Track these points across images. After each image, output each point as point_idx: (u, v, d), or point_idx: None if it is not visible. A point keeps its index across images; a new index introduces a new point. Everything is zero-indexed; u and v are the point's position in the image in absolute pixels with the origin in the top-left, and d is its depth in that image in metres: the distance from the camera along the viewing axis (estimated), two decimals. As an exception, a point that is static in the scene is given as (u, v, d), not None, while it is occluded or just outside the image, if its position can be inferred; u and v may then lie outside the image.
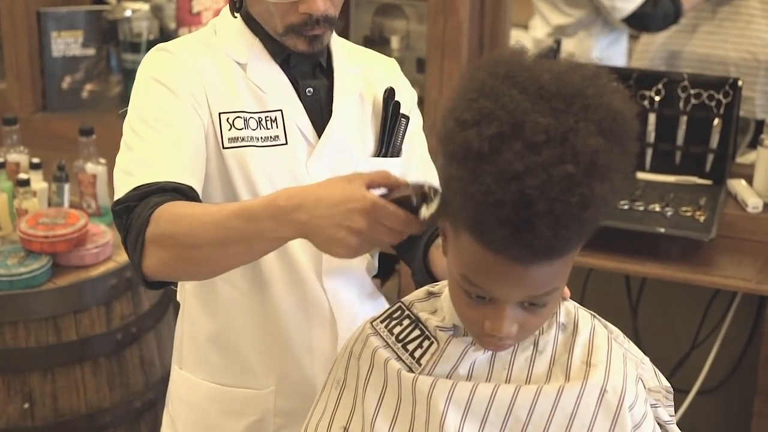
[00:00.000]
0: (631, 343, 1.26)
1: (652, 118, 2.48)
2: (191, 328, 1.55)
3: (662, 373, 1.27)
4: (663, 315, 2.67)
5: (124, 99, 2.94)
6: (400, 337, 1.22)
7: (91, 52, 2.97)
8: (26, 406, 2.16)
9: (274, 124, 1.44)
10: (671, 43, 3.18)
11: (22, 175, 2.35)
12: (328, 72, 1.50)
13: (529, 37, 3.34)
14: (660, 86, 2.48)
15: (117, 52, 2.97)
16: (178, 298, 1.59)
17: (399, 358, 1.21)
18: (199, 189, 1.36)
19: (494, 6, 2.63)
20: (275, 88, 1.45)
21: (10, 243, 2.28)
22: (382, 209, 1.15)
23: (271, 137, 1.43)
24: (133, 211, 1.30)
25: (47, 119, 2.93)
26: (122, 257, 2.30)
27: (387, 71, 1.57)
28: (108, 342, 2.23)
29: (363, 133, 1.51)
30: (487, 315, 1.10)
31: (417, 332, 1.22)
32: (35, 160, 2.42)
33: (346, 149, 1.47)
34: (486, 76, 1.06)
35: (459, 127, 1.04)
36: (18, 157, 2.48)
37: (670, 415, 1.26)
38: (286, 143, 1.44)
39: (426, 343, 1.20)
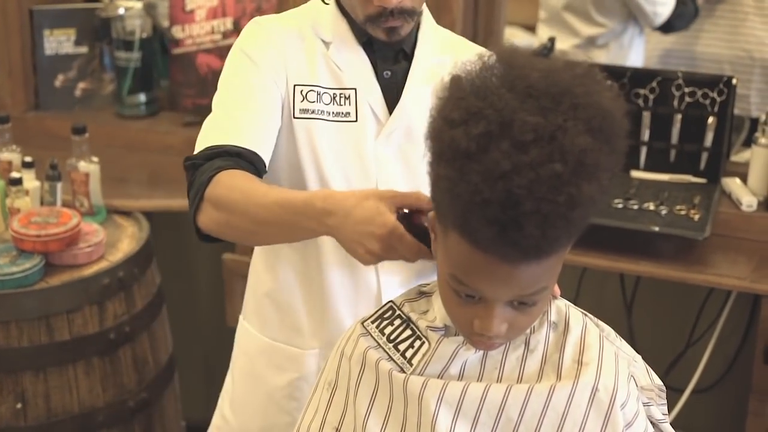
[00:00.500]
0: (623, 341, 1.26)
1: (646, 116, 2.48)
2: (254, 282, 1.67)
3: (657, 372, 1.27)
4: (657, 314, 2.68)
5: (117, 97, 2.95)
6: (392, 338, 1.23)
7: (83, 50, 2.97)
8: (19, 406, 2.16)
9: (347, 101, 1.51)
10: (666, 42, 3.19)
11: (15, 174, 2.35)
12: (411, 58, 1.55)
13: (535, 39, 3.35)
14: (654, 84, 2.48)
15: (110, 50, 2.96)
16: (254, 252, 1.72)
17: (390, 359, 1.21)
18: (264, 155, 1.46)
19: (488, 3, 2.63)
20: (353, 67, 1.52)
21: (2, 242, 2.28)
22: (397, 238, 1.24)
23: (342, 113, 1.51)
24: (199, 169, 1.43)
25: (40, 118, 2.93)
26: (115, 256, 2.30)
27: None
28: (101, 341, 2.23)
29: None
30: (477, 314, 1.11)
31: (408, 332, 1.22)
32: (27, 159, 2.42)
33: (415, 132, 1.52)
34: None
35: (447, 125, 1.05)
36: (10, 155, 2.48)
37: (663, 414, 1.26)
38: (356, 120, 1.51)
39: (417, 343, 1.21)
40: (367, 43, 1.52)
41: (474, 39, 2.63)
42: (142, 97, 2.92)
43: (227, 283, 2.56)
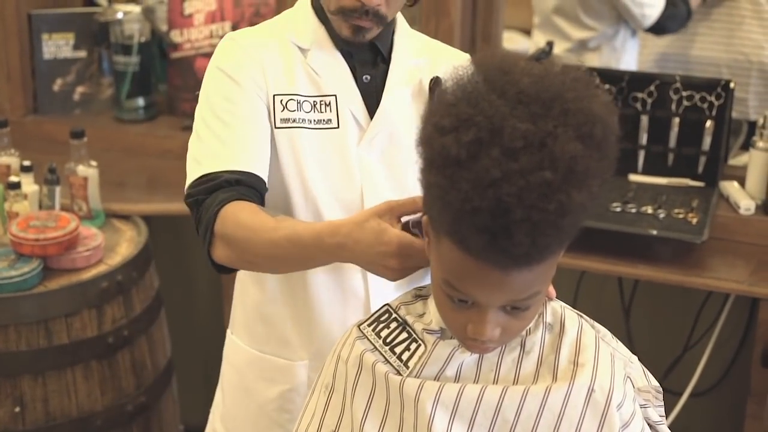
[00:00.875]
0: (619, 343, 1.27)
1: (644, 120, 2.50)
2: (242, 296, 1.66)
3: (655, 375, 1.27)
4: (656, 317, 2.69)
5: (116, 101, 2.96)
6: (388, 340, 1.24)
7: (82, 54, 2.98)
8: (17, 410, 2.17)
9: (327, 108, 1.51)
10: (663, 45, 3.20)
11: (13, 178, 2.36)
12: (389, 62, 1.55)
13: (532, 42, 3.35)
14: (652, 88, 2.49)
15: (108, 55, 2.98)
16: None
17: (386, 361, 1.22)
18: (263, 173, 1.46)
19: (486, 8, 2.65)
20: (332, 73, 1.52)
21: (1, 246, 2.29)
22: (408, 248, 1.25)
23: (323, 120, 1.51)
24: (203, 205, 1.42)
25: (38, 122, 2.94)
26: (113, 260, 2.32)
27: (454, 62, 1.57)
28: (99, 345, 2.24)
29: (418, 121, 1.54)
30: (470, 319, 1.11)
31: (404, 335, 1.23)
32: (26, 163, 2.43)
33: (398, 136, 1.53)
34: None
35: (437, 132, 1.05)
36: (9, 159, 2.49)
37: (660, 416, 1.27)
38: (338, 127, 1.51)
39: (413, 346, 1.21)
40: (345, 49, 1.52)
41: (472, 43, 2.65)
42: (140, 102, 2.94)
43: (226, 287, 2.56)
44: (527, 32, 3.60)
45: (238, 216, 1.38)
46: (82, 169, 2.42)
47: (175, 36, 2.86)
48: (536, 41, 3.23)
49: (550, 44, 2.80)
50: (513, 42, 3.70)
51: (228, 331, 1.71)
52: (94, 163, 2.44)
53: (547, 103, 1.03)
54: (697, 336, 2.60)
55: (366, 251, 1.27)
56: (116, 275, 2.27)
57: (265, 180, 1.46)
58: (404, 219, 1.29)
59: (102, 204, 2.48)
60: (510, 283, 1.06)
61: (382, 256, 1.26)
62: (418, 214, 1.28)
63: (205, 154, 1.46)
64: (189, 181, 1.46)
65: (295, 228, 1.36)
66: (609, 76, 2.52)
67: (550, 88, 1.05)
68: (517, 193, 0.99)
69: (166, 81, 2.99)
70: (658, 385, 1.27)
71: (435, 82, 1.54)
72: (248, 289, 1.62)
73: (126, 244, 2.41)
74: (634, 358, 1.26)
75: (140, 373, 2.34)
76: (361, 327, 1.27)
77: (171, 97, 2.96)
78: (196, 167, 1.46)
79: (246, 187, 1.43)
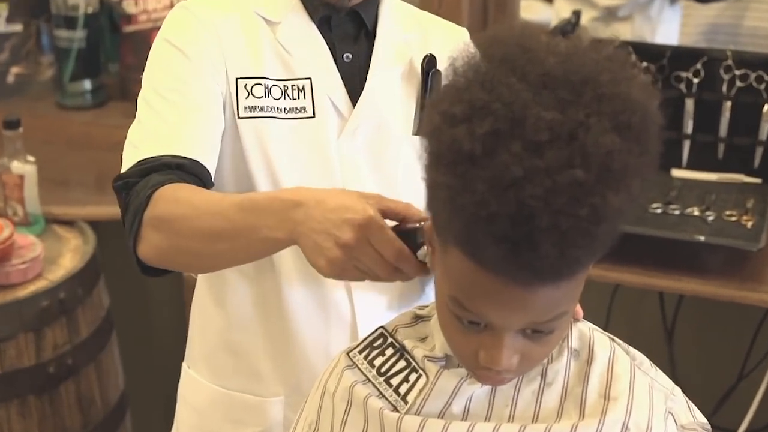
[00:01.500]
0: (659, 372, 1.27)
1: (689, 104, 2.51)
2: (201, 322, 1.65)
3: (702, 410, 1.28)
4: (704, 339, 2.70)
5: (58, 84, 2.96)
6: (383, 370, 1.24)
7: (17, 28, 2.99)
8: (-60, 454, 2.17)
9: (301, 94, 1.51)
10: (714, 16, 3.20)
11: (-65, 177, 2.37)
12: (374, 37, 1.55)
13: (553, 12, 3.36)
14: (699, 66, 2.50)
15: (49, 29, 2.98)
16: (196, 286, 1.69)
17: (381, 395, 1.22)
18: (209, 163, 1.45)
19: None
20: (306, 52, 1.52)
21: None
22: (377, 229, 1.22)
23: (296, 109, 1.50)
24: (133, 189, 1.40)
25: (-35, 109, 2.95)
26: (54, 275, 2.32)
27: (448, 37, 1.60)
28: (38, 376, 2.24)
29: (410, 108, 1.56)
30: (482, 344, 1.11)
31: (402, 363, 1.23)
32: (-50, 159, 2.44)
33: (386, 126, 1.53)
34: (480, 59, 1.08)
35: (446, 123, 1.04)
36: (-71, 154, 2.50)
37: (709, 457, 1.28)
38: (314, 116, 1.50)
39: (413, 377, 1.22)
40: (324, 20, 1.52)
41: (484, 13, 2.65)
42: (87, 84, 2.94)
43: (190, 306, 2.57)
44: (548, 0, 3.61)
45: (175, 194, 1.36)
46: (17, 166, 2.43)
47: (129, 6, 2.87)
48: (558, 9, 3.24)
49: (576, 14, 2.80)
50: (532, 11, 3.71)
51: (184, 365, 1.70)
52: (31, 158, 2.45)
53: (577, 88, 1.03)
54: (753, 363, 2.61)
55: (325, 215, 1.23)
56: (58, 292, 2.28)
57: (212, 173, 1.45)
58: (391, 223, 1.27)
59: (41, 207, 2.48)
60: (532, 303, 1.06)
61: (343, 224, 1.22)
62: (410, 225, 1.28)
63: (144, 137, 1.46)
64: (123, 169, 1.44)
65: (248, 195, 1.36)
66: (646, 51, 2.52)
67: (581, 69, 1.04)
68: (542, 196, 0.98)
69: (117, 60, 2.99)
70: (707, 421, 1.27)
71: (428, 62, 1.54)
72: (209, 313, 1.61)
73: (70, 255, 2.41)
74: (677, 389, 1.27)
75: (87, 410, 2.35)
76: (351, 354, 1.28)
77: (123, 78, 2.96)
78: (132, 152, 1.45)
79: (188, 174, 1.41)
